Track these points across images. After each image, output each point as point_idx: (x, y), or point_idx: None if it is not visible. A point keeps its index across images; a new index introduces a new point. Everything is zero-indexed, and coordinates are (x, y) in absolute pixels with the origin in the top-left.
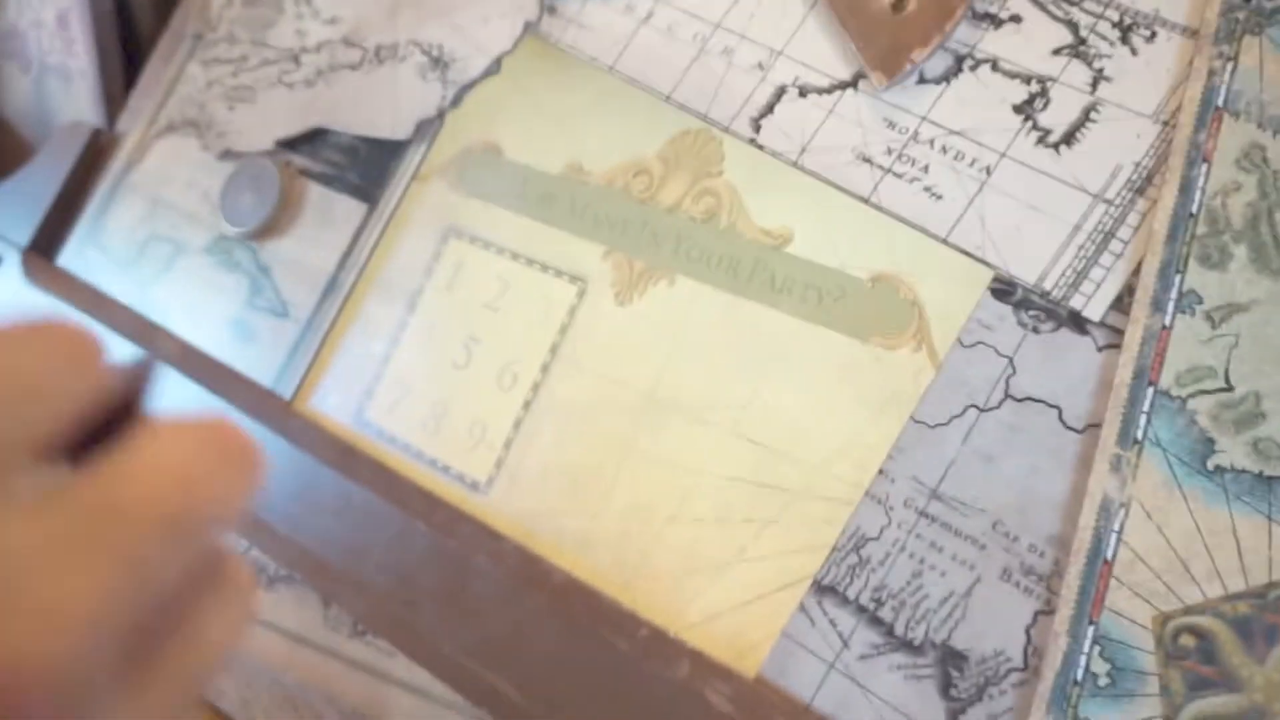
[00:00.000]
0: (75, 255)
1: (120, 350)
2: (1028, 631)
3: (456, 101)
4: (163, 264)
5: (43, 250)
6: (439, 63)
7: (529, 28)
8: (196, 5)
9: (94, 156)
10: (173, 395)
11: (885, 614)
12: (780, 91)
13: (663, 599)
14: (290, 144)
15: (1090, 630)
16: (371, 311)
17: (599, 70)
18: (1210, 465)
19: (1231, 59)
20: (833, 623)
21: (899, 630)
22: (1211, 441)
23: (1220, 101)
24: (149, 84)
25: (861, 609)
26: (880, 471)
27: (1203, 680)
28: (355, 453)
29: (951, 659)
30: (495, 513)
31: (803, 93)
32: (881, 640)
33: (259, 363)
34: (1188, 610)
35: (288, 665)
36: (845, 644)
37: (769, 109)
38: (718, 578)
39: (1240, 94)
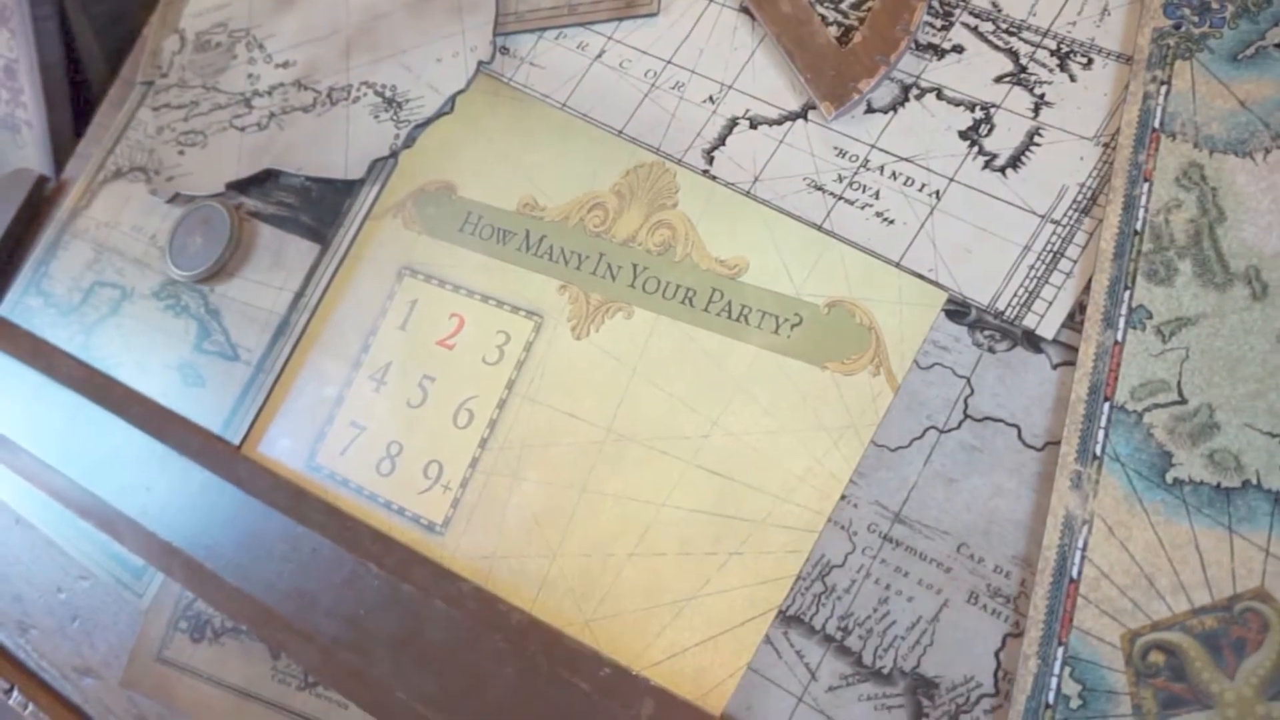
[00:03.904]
0: (15, 303)
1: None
2: (997, 655)
3: (410, 141)
4: (108, 309)
5: None
6: (392, 103)
7: (482, 67)
8: (147, 52)
9: (38, 204)
10: (117, 442)
11: (853, 642)
12: (732, 124)
13: (625, 637)
14: (241, 186)
15: (1060, 651)
16: (324, 352)
17: (552, 107)
18: (1169, 479)
19: (1165, 83)
20: (800, 654)
21: (867, 659)
22: (1169, 455)
23: (1157, 123)
24: (98, 131)
25: (829, 638)
26: (843, 497)
27: (1175, 698)
28: (306, 497)
29: (922, 687)
30: (452, 554)
31: (754, 124)
32: (850, 670)
33: (208, 407)
34: (1155, 626)
35: None
36: (813, 675)
37: (721, 141)
38: (681, 613)
39: (1175, 115)
